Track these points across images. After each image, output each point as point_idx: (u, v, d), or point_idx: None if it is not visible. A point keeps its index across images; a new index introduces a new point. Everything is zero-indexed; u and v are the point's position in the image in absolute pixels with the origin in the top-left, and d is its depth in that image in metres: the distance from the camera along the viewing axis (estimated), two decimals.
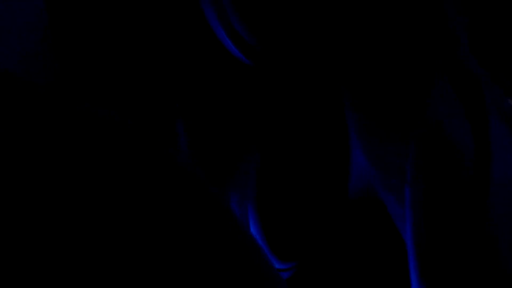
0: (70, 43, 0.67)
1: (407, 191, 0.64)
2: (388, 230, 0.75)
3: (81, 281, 0.39)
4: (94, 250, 0.40)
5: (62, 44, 0.67)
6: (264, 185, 0.81)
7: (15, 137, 0.42)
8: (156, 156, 0.46)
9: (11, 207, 0.39)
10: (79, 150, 0.43)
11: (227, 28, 0.76)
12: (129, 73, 0.72)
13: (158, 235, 0.43)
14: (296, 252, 0.83)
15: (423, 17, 0.69)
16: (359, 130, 0.72)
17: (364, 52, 0.73)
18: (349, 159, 0.80)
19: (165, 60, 0.75)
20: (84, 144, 0.43)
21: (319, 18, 0.78)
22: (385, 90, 0.71)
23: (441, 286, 0.61)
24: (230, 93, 0.80)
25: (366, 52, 0.72)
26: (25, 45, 0.64)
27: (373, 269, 0.80)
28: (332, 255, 0.83)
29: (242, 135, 0.81)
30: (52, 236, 0.40)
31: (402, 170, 0.66)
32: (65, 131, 0.43)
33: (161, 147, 0.46)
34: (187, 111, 0.77)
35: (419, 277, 0.61)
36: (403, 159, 0.66)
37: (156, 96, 0.74)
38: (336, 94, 0.80)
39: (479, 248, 0.61)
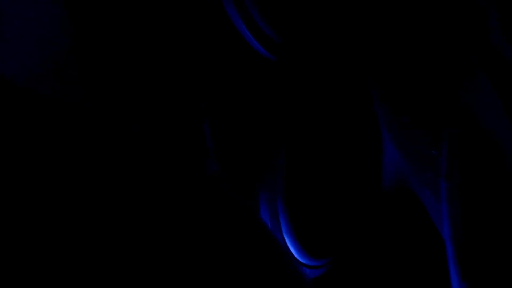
0: (93, 46, 0.67)
1: (442, 185, 0.62)
2: (424, 225, 0.73)
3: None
4: (129, 260, 0.40)
5: (86, 48, 0.67)
6: (293, 181, 0.80)
7: (50, 152, 0.42)
8: (185, 170, 0.46)
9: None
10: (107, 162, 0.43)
11: (249, 24, 0.75)
12: (153, 75, 0.71)
13: (187, 246, 0.43)
14: (329, 248, 0.82)
15: (451, 2, 0.68)
16: (390, 123, 0.71)
17: (392, 42, 0.71)
18: (381, 152, 0.79)
19: (189, 60, 0.75)
20: (115, 160, 0.43)
21: (342, 9, 0.77)
22: (416, 81, 0.69)
23: (483, 282, 0.59)
24: (255, 90, 0.79)
25: (395, 42, 0.71)
26: (47, 53, 0.64)
27: (410, 265, 0.79)
28: (366, 251, 0.82)
29: (270, 132, 0.80)
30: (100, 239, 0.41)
31: (436, 163, 0.65)
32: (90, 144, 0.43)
33: (190, 160, 0.47)
34: (213, 111, 0.76)
35: (459, 274, 0.60)
36: (438, 152, 0.65)
37: (182, 97, 0.73)
38: (364, 86, 0.79)
39: None
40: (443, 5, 0.68)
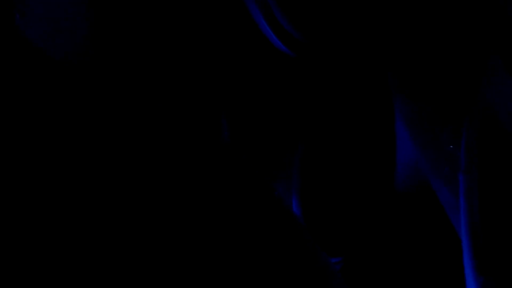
0: (116, 39, 0.67)
1: (461, 179, 0.62)
2: (441, 222, 0.73)
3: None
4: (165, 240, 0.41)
5: (109, 40, 0.67)
6: (308, 179, 0.80)
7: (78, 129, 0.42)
8: (214, 151, 0.47)
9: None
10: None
11: (270, 21, 0.75)
12: (173, 68, 0.71)
13: (226, 230, 0.43)
14: (343, 246, 0.82)
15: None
16: (408, 118, 0.71)
17: (413, 38, 0.71)
18: (395, 149, 0.79)
19: (209, 55, 0.75)
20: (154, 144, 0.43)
21: (362, 5, 0.77)
22: (436, 76, 0.69)
23: (499, 277, 0.59)
24: (274, 86, 0.79)
25: (416, 38, 0.71)
26: (72, 38, 0.64)
27: (425, 264, 0.78)
28: (381, 249, 0.81)
29: (286, 127, 0.80)
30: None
31: (455, 158, 0.64)
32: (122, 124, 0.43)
33: (217, 141, 0.47)
34: (231, 105, 0.76)
35: (475, 268, 0.59)
36: (456, 147, 0.65)
37: (201, 90, 0.73)
38: (382, 82, 0.78)
39: None
40: (464, 4, 0.68)
